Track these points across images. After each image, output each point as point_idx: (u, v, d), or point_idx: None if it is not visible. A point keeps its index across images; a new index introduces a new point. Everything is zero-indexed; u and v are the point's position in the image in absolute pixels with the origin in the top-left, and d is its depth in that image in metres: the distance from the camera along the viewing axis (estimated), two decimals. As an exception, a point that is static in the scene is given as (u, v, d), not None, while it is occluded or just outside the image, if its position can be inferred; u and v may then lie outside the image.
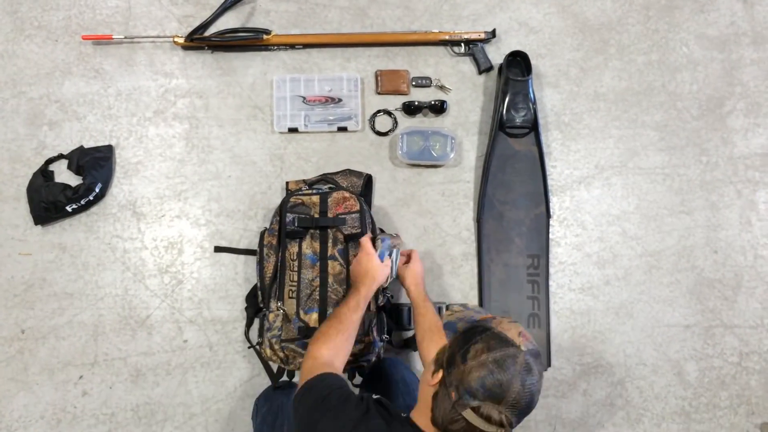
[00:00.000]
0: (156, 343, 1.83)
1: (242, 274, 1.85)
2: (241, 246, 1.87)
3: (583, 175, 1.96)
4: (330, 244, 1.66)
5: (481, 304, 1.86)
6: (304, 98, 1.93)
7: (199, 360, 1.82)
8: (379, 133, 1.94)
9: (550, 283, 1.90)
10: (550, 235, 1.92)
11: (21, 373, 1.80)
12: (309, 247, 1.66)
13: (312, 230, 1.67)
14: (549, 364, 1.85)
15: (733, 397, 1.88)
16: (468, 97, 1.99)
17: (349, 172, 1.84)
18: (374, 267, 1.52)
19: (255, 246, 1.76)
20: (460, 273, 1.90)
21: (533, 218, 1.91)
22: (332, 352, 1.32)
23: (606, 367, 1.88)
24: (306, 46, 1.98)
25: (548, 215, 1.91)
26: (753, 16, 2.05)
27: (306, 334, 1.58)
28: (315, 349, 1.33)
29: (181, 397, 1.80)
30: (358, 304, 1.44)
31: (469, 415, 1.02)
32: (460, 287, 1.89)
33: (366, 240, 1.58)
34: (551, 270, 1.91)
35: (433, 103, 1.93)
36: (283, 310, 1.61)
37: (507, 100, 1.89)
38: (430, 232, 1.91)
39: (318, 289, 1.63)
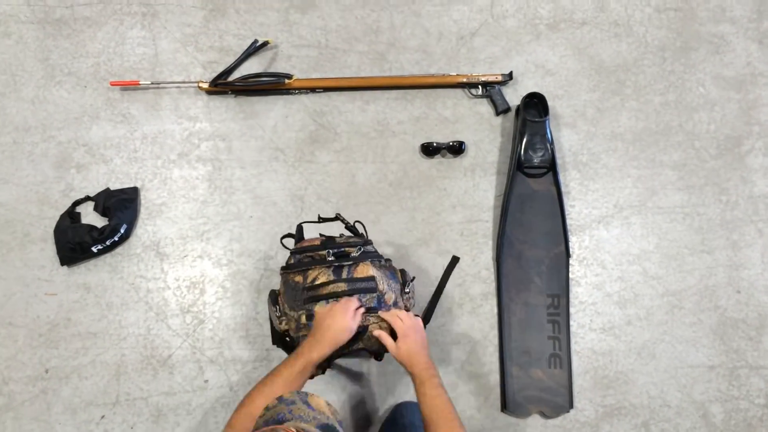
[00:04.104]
0: (177, 382, 1.84)
1: (263, 314, 1.86)
2: (261, 285, 1.89)
3: (602, 215, 1.97)
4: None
5: (501, 344, 1.86)
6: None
7: (220, 400, 1.82)
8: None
9: (571, 322, 1.89)
10: (570, 275, 1.92)
11: (44, 413, 1.81)
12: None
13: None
14: (571, 406, 1.83)
15: (761, 440, 1.84)
16: (486, 137, 2.01)
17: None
18: (344, 325, 1.37)
19: (274, 285, 1.76)
20: (479, 313, 1.90)
21: (553, 257, 1.91)
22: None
23: (629, 408, 1.85)
24: (326, 89, 2.02)
25: (567, 254, 1.91)
26: (769, 56, 2.07)
27: None
28: (235, 418, 1.25)
29: (202, 437, 1.81)
30: (303, 370, 1.31)
31: None
32: (480, 327, 1.89)
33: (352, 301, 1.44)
34: (572, 310, 1.90)
35: (451, 144, 1.95)
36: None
37: (525, 140, 1.91)
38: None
39: None
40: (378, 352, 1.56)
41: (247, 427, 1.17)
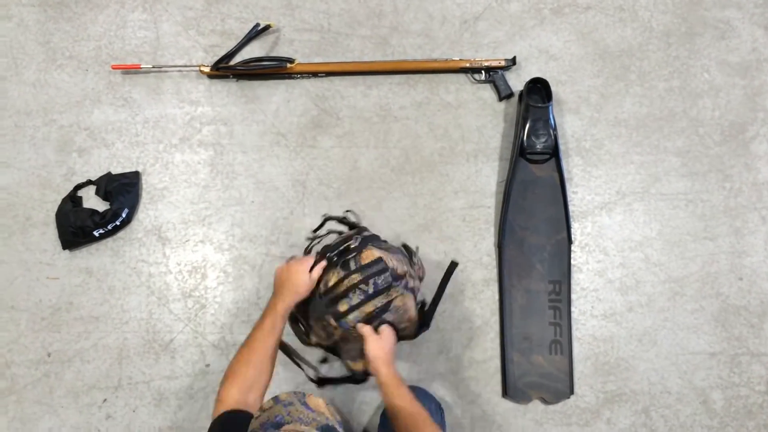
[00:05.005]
0: (179, 366, 1.84)
1: (264, 299, 1.87)
2: (263, 271, 1.89)
3: (604, 201, 1.96)
4: None
5: (502, 330, 1.86)
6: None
7: (221, 384, 1.83)
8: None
9: (572, 309, 1.88)
10: (572, 261, 1.91)
11: (46, 396, 1.82)
12: None
13: None
14: (572, 392, 1.83)
15: (760, 427, 1.84)
16: (489, 123, 2.00)
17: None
18: (298, 279, 1.43)
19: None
20: (481, 299, 1.90)
21: (554, 244, 1.90)
22: (242, 389, 1.20)
23: (630, 395, 1.85)
24: (329, 74, 2.01)
25: (569, 241, 1.90)
26: (775, 42, 2.05)
27: None
28: (223, 391, 1.24)
29: (203, 421, 1.81)
30: (273, 325, 1.35)
31: None
32: (481, 313, 1.89)
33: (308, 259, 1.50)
34: (573, 296, 1.89)
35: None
36: None
37: (528, 126, 1.90)
38: (450, 258, 1.91)
39: None
40: (363, 373, 1.61)
41: (236, 398, 1.18)
